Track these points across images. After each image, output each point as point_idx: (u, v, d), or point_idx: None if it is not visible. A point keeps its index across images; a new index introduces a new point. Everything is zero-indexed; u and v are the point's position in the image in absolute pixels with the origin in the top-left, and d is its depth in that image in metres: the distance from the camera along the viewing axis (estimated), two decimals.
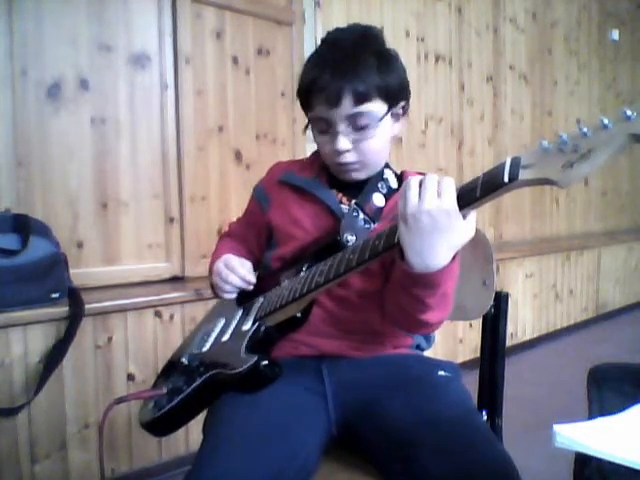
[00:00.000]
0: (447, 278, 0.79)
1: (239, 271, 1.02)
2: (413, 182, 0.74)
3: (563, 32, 4.31)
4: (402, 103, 0.99)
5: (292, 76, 2.50)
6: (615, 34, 4.82)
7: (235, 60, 2.32)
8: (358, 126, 0.94)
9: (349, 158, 0.97)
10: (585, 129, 0.61)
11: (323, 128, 0.96)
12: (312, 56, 0.99)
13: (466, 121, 3.49)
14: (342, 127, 0.94)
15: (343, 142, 0.94)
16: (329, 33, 1.00)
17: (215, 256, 1.13)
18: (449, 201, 0.71)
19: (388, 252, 0.79)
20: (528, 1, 3.94)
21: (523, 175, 0.65)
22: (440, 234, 0.73)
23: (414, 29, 3.12)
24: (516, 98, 3.88)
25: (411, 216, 0.73)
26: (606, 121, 0.60)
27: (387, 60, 0.96)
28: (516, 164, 0.66)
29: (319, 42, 1.01)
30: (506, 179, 0.66)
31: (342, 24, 1.02)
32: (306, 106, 0.98)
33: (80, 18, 1.91)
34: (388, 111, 0.96)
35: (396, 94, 0.97)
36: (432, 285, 0.80)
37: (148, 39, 2.08)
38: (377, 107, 0.94)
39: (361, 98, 0.91)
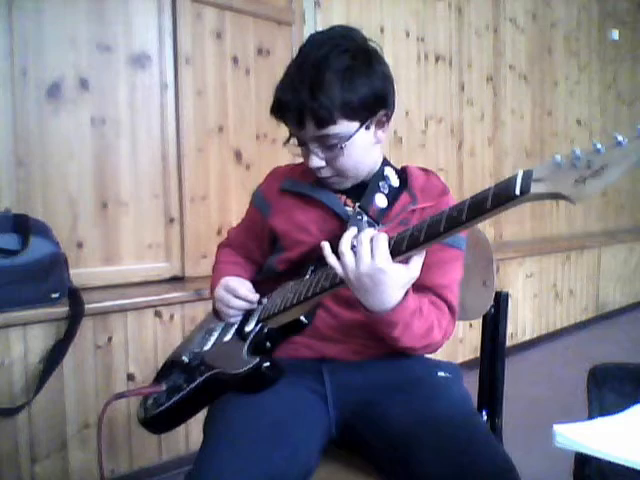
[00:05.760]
0: (402, 312, 0.84)
1: (240, 293, 1.01)
2: (345, 248, 0.81)
3: (563, 32, 4.31)
4: (382, 112, 0.96)
5: None
6: (615, 34, 4.81)
7: (235, 60, 2.32)
8: (327, 146, 0.94)
9: (325, 173, 0.98)
10: (599, 146, 0.61)
11: (298, 143, 0.98)
12: (287, 70, 0.96)
13: (466, 121, 3.48)
14: (312, 146, 0.95)
15: (315, 160, 0.95)
16: (305, 42, 0.97)
17: (216, 274, 1.12)
18: (382, 260, 0.78)
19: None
20: (528, 1, 3.94)
21: (535, 189, 0.65)
22: (382, 287, 0.81)
23: (414, 29, 3.12)
24: (516, 98, 3.87)
25: (354, 279, 0.80)
26: (620, 138, 0.60)
27: (358, 73, 0.90)
28: (528, 177, 0.66)
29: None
30: (517, 192, 0.66)
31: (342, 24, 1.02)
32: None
33: (80, 18, 1.91)
34: (361, 126, 0.93)
35: (369, 108, 0.93)
36: (391, 324, 0.86)
37: (148, 39, 2.08)
38: (343, 127, 0.91)
39: (323, 122, 0.90)
